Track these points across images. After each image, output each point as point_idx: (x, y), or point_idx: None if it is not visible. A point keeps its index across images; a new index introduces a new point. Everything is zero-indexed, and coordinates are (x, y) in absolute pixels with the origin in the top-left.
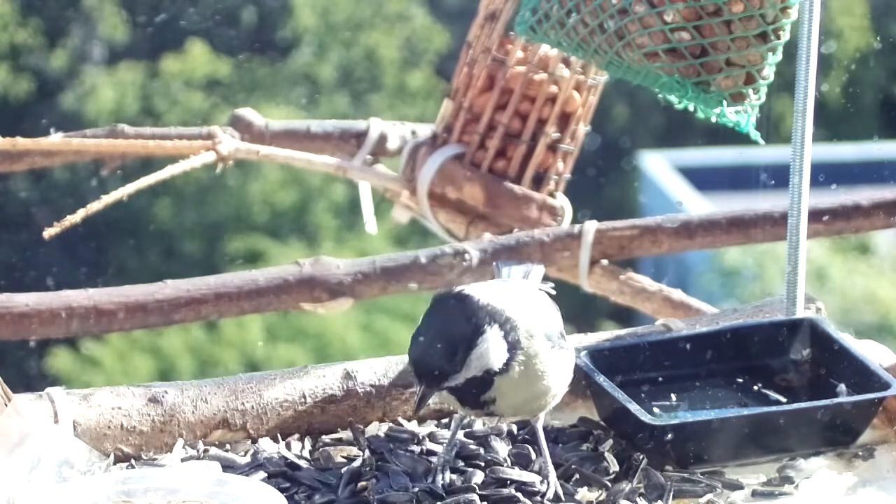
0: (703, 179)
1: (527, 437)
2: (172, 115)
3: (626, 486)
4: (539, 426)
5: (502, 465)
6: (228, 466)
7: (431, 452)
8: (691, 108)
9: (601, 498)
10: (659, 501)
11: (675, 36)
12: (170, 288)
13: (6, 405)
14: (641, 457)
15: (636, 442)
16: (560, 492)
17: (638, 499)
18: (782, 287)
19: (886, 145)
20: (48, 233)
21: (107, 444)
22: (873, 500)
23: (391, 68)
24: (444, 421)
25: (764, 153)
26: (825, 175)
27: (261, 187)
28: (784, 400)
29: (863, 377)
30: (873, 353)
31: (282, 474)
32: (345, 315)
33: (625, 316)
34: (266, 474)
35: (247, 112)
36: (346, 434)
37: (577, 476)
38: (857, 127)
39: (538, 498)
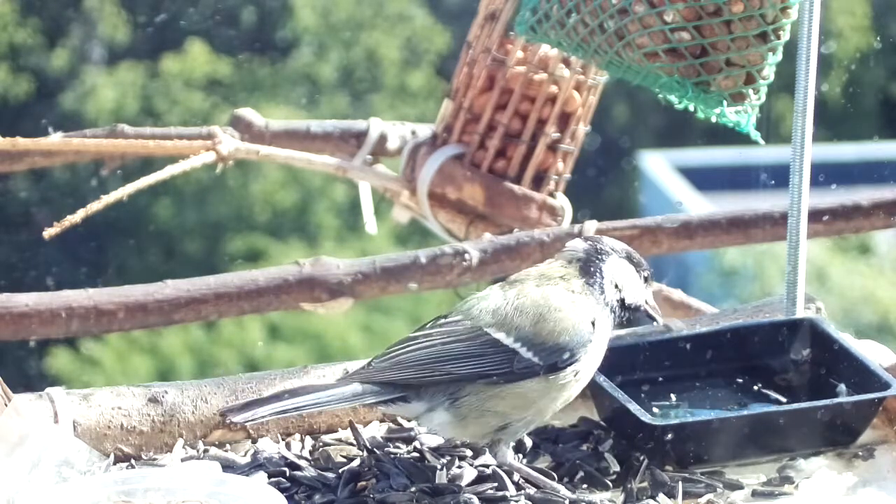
0: (703, 179)
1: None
2: (172, 115)
3: (631, 486)
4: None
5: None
6: (228, 466)
7: (432, 449)
8: (691, 108)
9: (602, 499)
10: (668, 500)
11: (675, 36)
12: (170, 288)
13: (6, 405)
14: (642, 457)
15: (636, 442)
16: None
17: (643, 498)
18: (782, 287)
19: (886, 145)
20: (48, 233)
21: (107, 444)
22: (873, 500)
23: (392, 68)
24: None
25: (764, 153)
26: (825, 175)
27: (261, 187)
28: (784, 400)
29: (863, 377)
30: (873, 353)
31: (282, 474)
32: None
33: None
34: (266, 474)
35: (247, 112)
36: (346, 434)
37: (581, 473)
38: (857, 127)
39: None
